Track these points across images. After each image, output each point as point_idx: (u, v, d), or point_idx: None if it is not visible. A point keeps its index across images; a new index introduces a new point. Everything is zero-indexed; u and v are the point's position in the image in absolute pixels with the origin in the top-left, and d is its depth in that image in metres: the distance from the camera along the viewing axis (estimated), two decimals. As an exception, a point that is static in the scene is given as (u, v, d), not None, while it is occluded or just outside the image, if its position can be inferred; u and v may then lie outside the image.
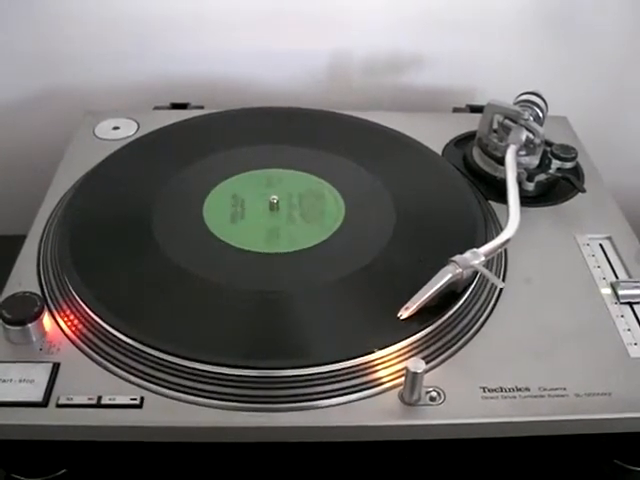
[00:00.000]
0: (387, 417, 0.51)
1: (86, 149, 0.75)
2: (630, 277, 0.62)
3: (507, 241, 0.60)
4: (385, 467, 0.56)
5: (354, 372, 0.52)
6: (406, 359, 0.53)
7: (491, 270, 0.61)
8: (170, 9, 0.85)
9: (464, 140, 0.78)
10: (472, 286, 0.59)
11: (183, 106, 0.84)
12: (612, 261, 0.64)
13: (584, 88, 0.92)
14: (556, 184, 0.71)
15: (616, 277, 0.62)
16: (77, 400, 0.50)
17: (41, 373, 0.52)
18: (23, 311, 0.54)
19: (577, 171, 0.73)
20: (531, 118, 0.70)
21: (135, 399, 0.51)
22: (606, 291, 0.61)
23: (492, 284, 0.59)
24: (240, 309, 0.57)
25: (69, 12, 0.84)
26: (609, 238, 0.67)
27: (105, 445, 0.51)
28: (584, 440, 0.54)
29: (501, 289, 0.60)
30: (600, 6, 0.87)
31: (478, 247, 0.58)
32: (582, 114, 0.83)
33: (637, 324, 0.58)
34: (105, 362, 0.53)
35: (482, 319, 0.58)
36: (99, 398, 0.50)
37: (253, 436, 0.51)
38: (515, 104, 0.72)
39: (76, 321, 0.56)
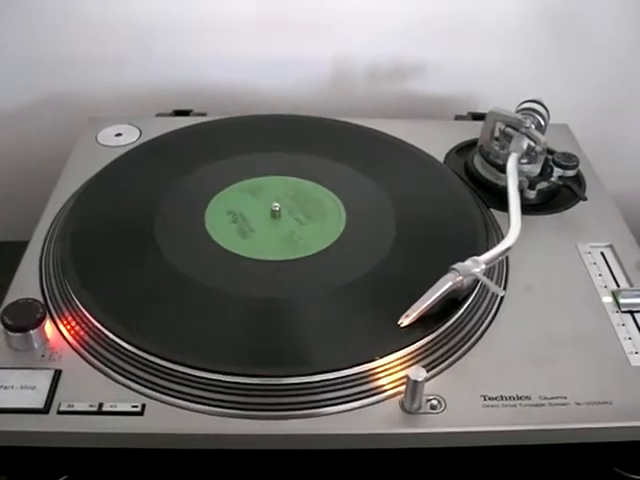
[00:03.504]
0: (388, 425, 0.51)
1: (89, 156, 0.75)
2: (631, 285, 0.62)
3: (508, 249, 0.60)
4: (386, 475, 0.56)
5: (355, 380, 0.52)
6: (407, 367, 0.53)
7: (492, 278, 0.61)
8: (173, 16, 0.85)
9: (466, 148, 0.78)
10: (473, 294, 0.59)
11: (185, 113, 0.85)
12: (613, 269, 0.64)
13: (586, 96, 0.92)
14: (558, 192, 0.72)
15: (617, 285, 0.63)
16: (78, 407, 0.50)
17: (43, 380, 0.52)
18: (25, 318, 0.54)
19: (579, 179, 0.73)
20: (533, 126, 0.70)
21: (136, 406, 0.51)
22: (607, 299, 0.61)
23: (493, 292, 0.59)
24: (242, 316, 0.57)
25: (71, 19, 0.85)
26: (610, 246, 0.67)
27: (106, 452, 0.51)
28: (584, 448, 0.54)
29: (502, 297, 0.60)
30: (602, 15, 0.87)
31: (479, 255, 0.58)
32: (584, 122, 0.84)
33: (638, 333, 0.58)
34: (107, 369, 0.53)
35: (483, 327, 0.58)
36: (100, 405, 0.51)
37: (254, 444, 0.51)
38: (517, 112, 0.72)
39: (78, 328, 0.56)
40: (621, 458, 0.57)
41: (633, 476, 0.57)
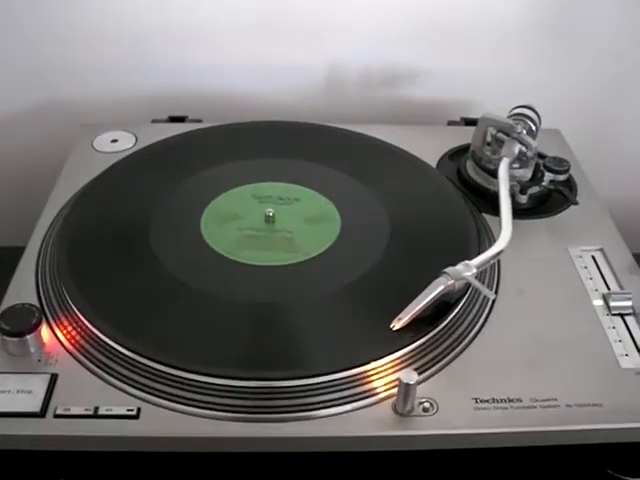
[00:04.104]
0: (380, 428, 0.51)
1: (85, 162, 0.76)
2: (622, 289, 0.63)
3: (499, 253, 0.60)
4: (378, 477, 0.56)
5: (348, 383, 0.53)
6: (399, 370, 0.53)
7: (484, 282, 0.61)
8: (168, 22, 0.86)
9: (458, 153, 0.79)
10: (465, 298, 0.59)
11: (181, 119, 0.85)
12: (604, 273, 0.65)
13: (577, 101, 0.93)
14: (549, 196, 0.72)
15: (608, 289, 0.63)
16: (74, 411, 0.51)
17: (39, 384, 0.52)
18: (21, 323, 0.54)
19: (570, 183, 0.74)
20: (524, 131, 0.70)
21: (132, 410, 0.51)
22: (598, 302, 0.62)
23: (485, 295, 0.60)
24: (236, 320, 0.57)
25: (66, 25, 0.85)
26: (601, 250, 0.67)
27: (102, 455, 0.52)
28: (576, 450, 0.54)
29: (494, 300, 0.61)
30: (596, 22, 0.88)
31: (471, 259, 0.59)
32: (575, 127, 0.84)
33: (628, 335, 0.59)
34: (102, 373, 0.54)
35: (475, 330, 0.58)
36: (96, 409, 0.51)
37: (249, 446, 0.51)
38: (509, 117, 0.73)
39: (74, 332, 0.56)
40: (614, 460, 0.57)
41: (626, 478, 0.58)
